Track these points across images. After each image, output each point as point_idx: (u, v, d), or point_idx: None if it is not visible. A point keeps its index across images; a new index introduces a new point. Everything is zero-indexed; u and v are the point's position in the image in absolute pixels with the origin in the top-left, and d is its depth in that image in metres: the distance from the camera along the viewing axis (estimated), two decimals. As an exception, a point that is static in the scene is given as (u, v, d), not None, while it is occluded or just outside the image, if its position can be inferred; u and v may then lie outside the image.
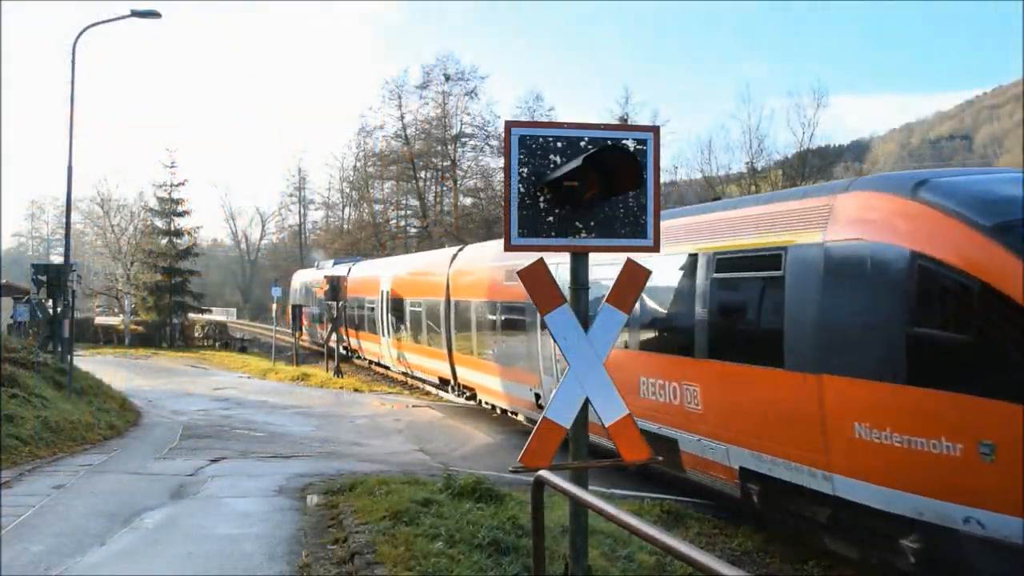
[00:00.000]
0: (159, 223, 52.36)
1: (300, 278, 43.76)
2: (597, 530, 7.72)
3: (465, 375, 19.90)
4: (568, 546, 5.59)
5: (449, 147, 54.19)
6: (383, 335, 26.85)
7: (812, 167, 44.34)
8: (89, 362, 26.64)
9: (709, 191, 44.64)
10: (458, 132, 54.37)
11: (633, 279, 5.45)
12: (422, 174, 56.34)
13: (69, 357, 16.82)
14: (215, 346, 47.59)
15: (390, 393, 23.69)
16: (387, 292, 25.91)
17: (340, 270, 33.76)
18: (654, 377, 10.44)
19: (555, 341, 5.29)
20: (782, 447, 8.36)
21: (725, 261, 9.55)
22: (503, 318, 16.77)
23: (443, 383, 22.28)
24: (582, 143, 5.41)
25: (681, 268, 10.28)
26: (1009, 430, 6.27)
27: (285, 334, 42.62)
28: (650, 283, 5.63)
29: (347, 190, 67.14)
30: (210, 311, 59.14)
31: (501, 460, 12.61)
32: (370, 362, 31.16)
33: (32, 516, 8.36)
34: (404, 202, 59.76)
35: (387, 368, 28.49)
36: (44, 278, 19.74)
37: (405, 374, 26.31)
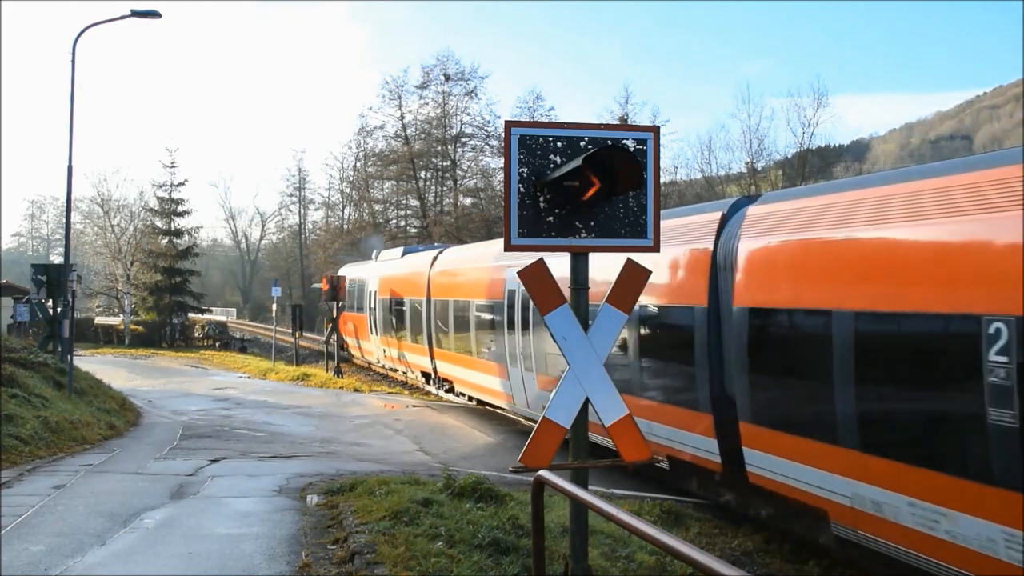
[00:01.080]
0: (159, 223, 52.40)
1: (351, 274, 32.70)
2: (597, 530, 7.73)
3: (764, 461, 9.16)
4: (568, 546, 5.59)
5: (449, 147, 54.25)
6: (514, 364, 16.11)
7: (812, 167, 44.37)
8: (89, 362, 26.66)
9: (709, 191, 44.66)
10: (458, 132, 54.44)
11: (633, 279, 5.46)
12: (422, 174, 56.40)
13: (69, 357, 16.82)
14: (215, 346, 47.59)
15: (390, 393, 23.69)
16: (521, 292, 15.43)
17: (416, 260, 24.68)
18: None
19: (555, 341, 5.29)
20: None
21: None
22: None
23: (678, 467, 10.92)
24: (582, 143, 5.42)
25: None
26: None
27: (285, 334, 42.63)
28: None
29: (347, 190, 67.20)
30: (210, 311, 59.17)
31: (501, 460, 12.62)
32: (480, 403, 19.89)
33: (32, 516, 8.36)
34: (404, 202, 59.80)
35: (504, 409, 18.30)
36: (44, 278, 19.75)
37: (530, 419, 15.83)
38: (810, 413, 8.44)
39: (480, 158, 55.09)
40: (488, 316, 17.74)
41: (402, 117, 55.48)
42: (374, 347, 28.85)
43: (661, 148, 5.60)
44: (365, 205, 61.27)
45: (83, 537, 7.66)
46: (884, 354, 7.62)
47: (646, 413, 10.72)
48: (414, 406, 20.28)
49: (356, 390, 23.97)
